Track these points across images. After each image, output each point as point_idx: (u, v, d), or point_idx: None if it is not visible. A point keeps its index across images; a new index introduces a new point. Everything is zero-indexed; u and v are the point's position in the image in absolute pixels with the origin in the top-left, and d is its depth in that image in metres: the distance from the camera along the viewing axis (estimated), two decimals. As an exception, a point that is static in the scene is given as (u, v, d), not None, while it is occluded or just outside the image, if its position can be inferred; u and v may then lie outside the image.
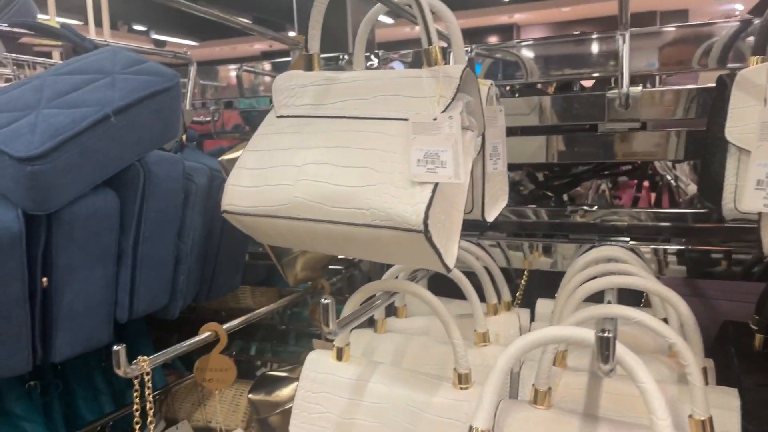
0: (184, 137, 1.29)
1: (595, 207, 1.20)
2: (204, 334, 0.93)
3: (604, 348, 0.56)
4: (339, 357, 0.85)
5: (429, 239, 0.63)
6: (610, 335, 0.56)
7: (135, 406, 0.83)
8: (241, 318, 1.02)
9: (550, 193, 1.35)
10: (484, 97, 0.87)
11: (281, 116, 0.77)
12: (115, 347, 0.79)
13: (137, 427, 0.84)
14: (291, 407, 1.06)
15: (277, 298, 1.33)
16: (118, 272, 1.02)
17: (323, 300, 0.66)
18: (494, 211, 0.91)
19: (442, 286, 1.03)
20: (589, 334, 0.58)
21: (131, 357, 0.85)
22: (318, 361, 0.86)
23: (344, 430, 0.81)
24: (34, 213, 0.85)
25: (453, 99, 0.69)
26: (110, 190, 0.97)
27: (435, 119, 0.67)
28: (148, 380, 0.82)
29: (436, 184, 0.64)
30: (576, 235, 1.23)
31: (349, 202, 0.66)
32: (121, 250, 1.02)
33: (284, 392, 1.19)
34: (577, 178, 1.29)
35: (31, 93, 0.87)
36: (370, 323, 1.01)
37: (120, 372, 0.79)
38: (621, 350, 0.57)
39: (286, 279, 1.22)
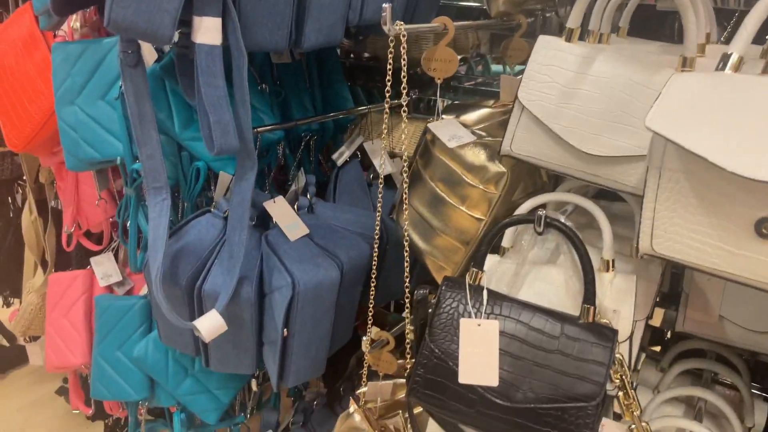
0: None
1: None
2: (435, 24, 1.07)
3: None
4: (569, 38, 0.95)
5: None
6: None
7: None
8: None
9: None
10: None
11: None
12: (385, 4, 0.93)
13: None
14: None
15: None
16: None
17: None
18: None
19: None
20: None
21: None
22: (549, 41, 0.96)
23: (567, 97, 0.93)
24: None
25: None
26: None
27: None
28: (404, 39, 0.97)
29: None
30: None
31: None
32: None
33: (470, 117, 1.33)
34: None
35: None
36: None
37: (385, 28, 0.94)
38: None
39: (489, 10, 1.31)
